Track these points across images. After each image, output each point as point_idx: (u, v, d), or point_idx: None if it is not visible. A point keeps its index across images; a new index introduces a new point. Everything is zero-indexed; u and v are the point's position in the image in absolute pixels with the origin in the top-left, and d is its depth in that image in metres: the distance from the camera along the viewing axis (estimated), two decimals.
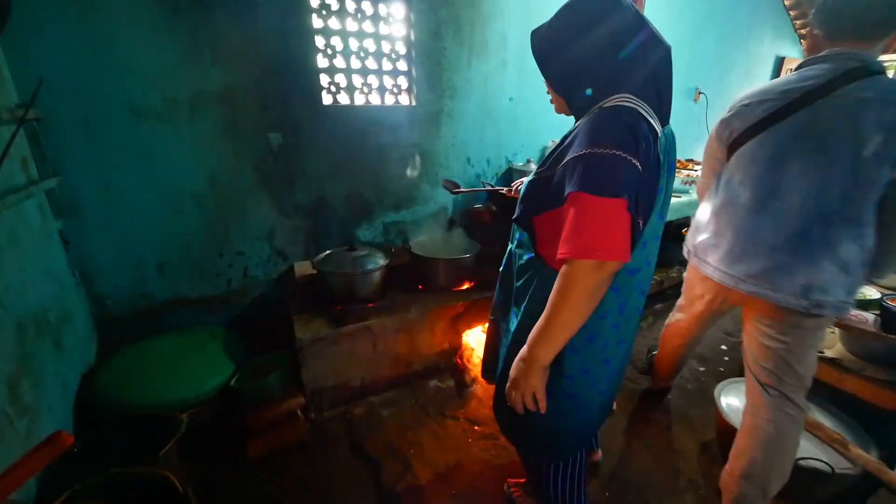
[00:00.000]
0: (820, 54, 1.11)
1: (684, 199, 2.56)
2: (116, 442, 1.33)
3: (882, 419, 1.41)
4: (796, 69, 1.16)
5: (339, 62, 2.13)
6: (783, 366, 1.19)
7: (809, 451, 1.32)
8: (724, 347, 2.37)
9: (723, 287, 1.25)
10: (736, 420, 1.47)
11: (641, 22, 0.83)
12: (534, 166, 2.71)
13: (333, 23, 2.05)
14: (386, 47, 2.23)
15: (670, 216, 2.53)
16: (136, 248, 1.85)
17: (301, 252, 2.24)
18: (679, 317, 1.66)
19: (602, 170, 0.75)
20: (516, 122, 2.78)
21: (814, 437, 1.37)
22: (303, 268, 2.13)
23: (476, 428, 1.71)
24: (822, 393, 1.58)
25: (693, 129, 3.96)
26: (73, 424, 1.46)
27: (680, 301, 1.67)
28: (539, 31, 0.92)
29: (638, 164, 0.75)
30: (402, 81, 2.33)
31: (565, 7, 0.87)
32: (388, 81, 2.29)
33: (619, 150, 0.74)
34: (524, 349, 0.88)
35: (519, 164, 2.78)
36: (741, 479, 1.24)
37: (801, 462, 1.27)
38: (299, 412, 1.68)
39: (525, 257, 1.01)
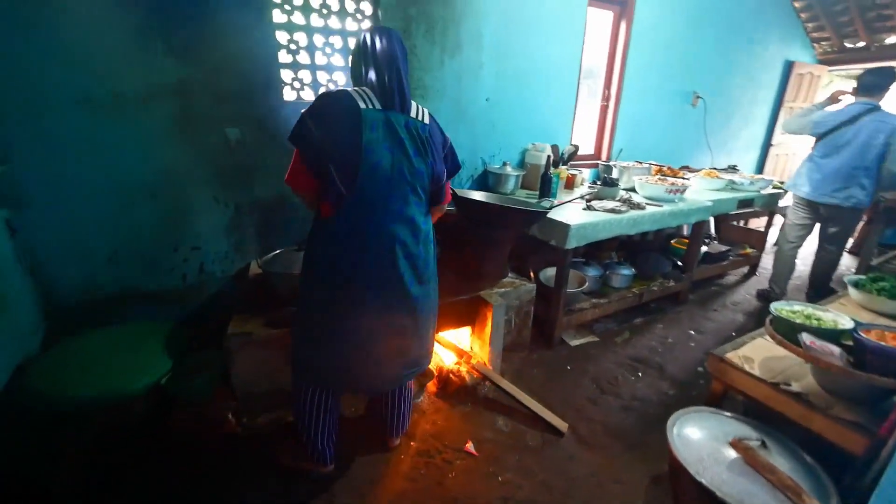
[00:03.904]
0: (858, 101, 2.55)
1: (666, 208, 2.41)
2: (11, 444, 1.28)
3: (848, 465, 1.26)
4: (847, 105, 2.60)
5: (304, 58, 2.08)
6: (836, 236, 2.73)
7: (759, 496, 1.19)
8: (700, 370, 2.21)
9: (812, 201, 2.72)
10: (687, 457, 1.34)
11: (377, 46, 1.18)
12: (510, 169, 2.61)
13: (297, 18, 2.00)
14: (353, 44, 2.17)
15: (652, 226, 2.39)
16: (85, 240, 1.83)
17: (260, 249, 2.20)
18: (787, 247, 2.97)
19: (294, 126, 1.14)
20: (493, 124, 2.68)
21: (766, 481, 1.23)
22: (256, 266, 2.08)
23: (412, 444, 1.62)
24: (788, 431, 1.44)
25: (691, 134, 3.79)
26: None
27: (782, 230, 3.05)
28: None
29: (310, 122, 1.11)
30: None
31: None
32: None
33: (304, 112, 1.13)
34: None
35: (495, 167, 2.68)
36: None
37: None
38: (231, 416, 1.63)
39: None
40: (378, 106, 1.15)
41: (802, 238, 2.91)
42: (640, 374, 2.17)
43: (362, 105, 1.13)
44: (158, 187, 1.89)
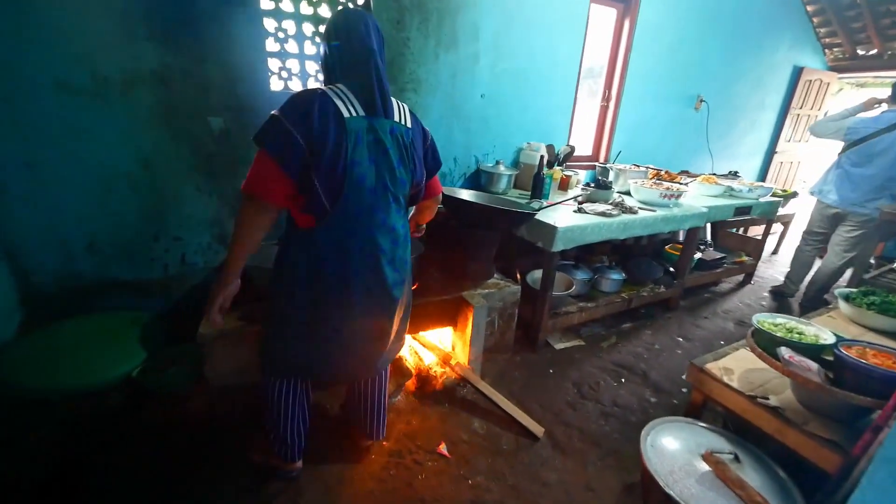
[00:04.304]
0: (893, 108, 2.55)
1: (659, 213, 2.37)
2: None
3: (821, 482, 1.24)
4: (882, 113, 2.58)
5: (292, 47, 2.04)
6: (854, 244, 2.68)
7: None
8: (685, 377, 2.18)
9: (837, 210, 2.74)
10: (659, 468, 1.32)
11: (352, 36, 1.07)
12: (503, 168, 2.57)
13: (286, 5, 1.96)
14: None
15: (643, 231, 2.35)
16: (62, 226, 1.81)
17: None
18: (807, 249, 3.06)
19: (263, 127, 1.01)
20: (488, 121, 2.64)
21: (736, 496, 1.21)
22: None
23: (384, 443, 1.61)
24: (765, 445, 1.41)
25: (692, 138, 3.73)
26: None
27: (804, 233, 3.06)
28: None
29: (291, 127, 0.98)
30: None
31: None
32: None
33: (279, 114, 1.00)
34: None
35: (488, 165, 2.64)
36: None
37: None
38: (204, 410, 1.62)
39: None
40: (361, 112, 1.07)
41: (820, 243, 2.98)
42: (623, 379, 2.14)
43: (345, 112, 1.04)
44: (139, 176, 1.87)
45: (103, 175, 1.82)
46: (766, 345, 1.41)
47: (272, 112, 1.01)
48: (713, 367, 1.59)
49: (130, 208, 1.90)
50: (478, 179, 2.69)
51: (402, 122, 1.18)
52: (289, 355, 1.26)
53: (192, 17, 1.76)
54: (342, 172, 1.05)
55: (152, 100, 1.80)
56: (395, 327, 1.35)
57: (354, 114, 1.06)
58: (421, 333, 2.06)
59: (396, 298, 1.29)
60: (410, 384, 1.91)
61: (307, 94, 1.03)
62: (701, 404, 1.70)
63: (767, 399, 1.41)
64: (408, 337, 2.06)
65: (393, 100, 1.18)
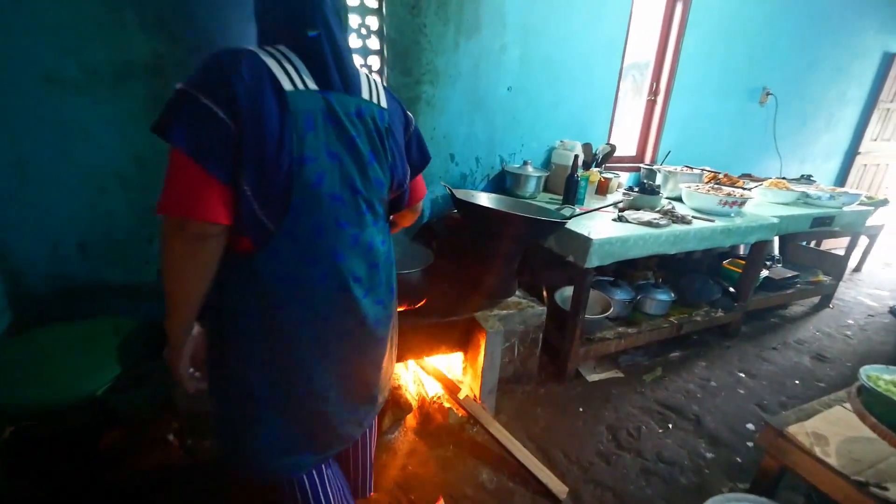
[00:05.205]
0: None
1: (718, 224, 1.98)
2: None
3: None
4: None
5: None
6: None
7: None
8: (750, 427, 1.78)
9: None
10: None
11: None
12: (531, 169, 2.27)
13: None
14: (354, 21, 1.93)
15: (698, 245, 1.98)
16: (53, 227, 1.71)
17: None
18: None
19: (167, 108, 0.67)
20: (516, 116, 2.34)
21: None
22: None
23: (371, 494, 1.35)
24: None
25: (756, 137, 3.24)
26: None
27: None
28: None
29: (209, 101, 0.65)
30: (374, 61, 2.01)
31: None
32: (355, 61, 1.98)
33: (188, 86, 0.66)
34: None
35: (515, 166, 2.34)
36: None
37: None
38: (172, 437, 1.44)
39: None
40: (311, 84, 0.75)
41: None
42: (670, 425, 1.77)
43: (287, 84, 0.71)
44: (131, 175, 1.74)
45: (95, 173, 1.70)
46: (883, 411, 1.03)
47: (177, 85, 0.68)
48: (798, 430, 1.20)
49: (123, 209, 1.78)
50: (502, 182, 2.40)
51: (374, 101, 0.86)
52: (277, 435, 0.89)
53: (184, 2, 1.61)
54: (287, 173, 0.72)
55: (144, 93, 1.66)
56: (384, 370, 1.04)
57: (301, 86, 0.73)
58: (426, 359, 1.79)
59: (382, 339, 0.98)
60: (411, 418, 1.65)
61: (227, 54, 0.69)
62: (776, 473, 1.31)
63: (886, 489, 1.02)
64: (411, 363, 1.81)
65: (362, 71, 0.87)
